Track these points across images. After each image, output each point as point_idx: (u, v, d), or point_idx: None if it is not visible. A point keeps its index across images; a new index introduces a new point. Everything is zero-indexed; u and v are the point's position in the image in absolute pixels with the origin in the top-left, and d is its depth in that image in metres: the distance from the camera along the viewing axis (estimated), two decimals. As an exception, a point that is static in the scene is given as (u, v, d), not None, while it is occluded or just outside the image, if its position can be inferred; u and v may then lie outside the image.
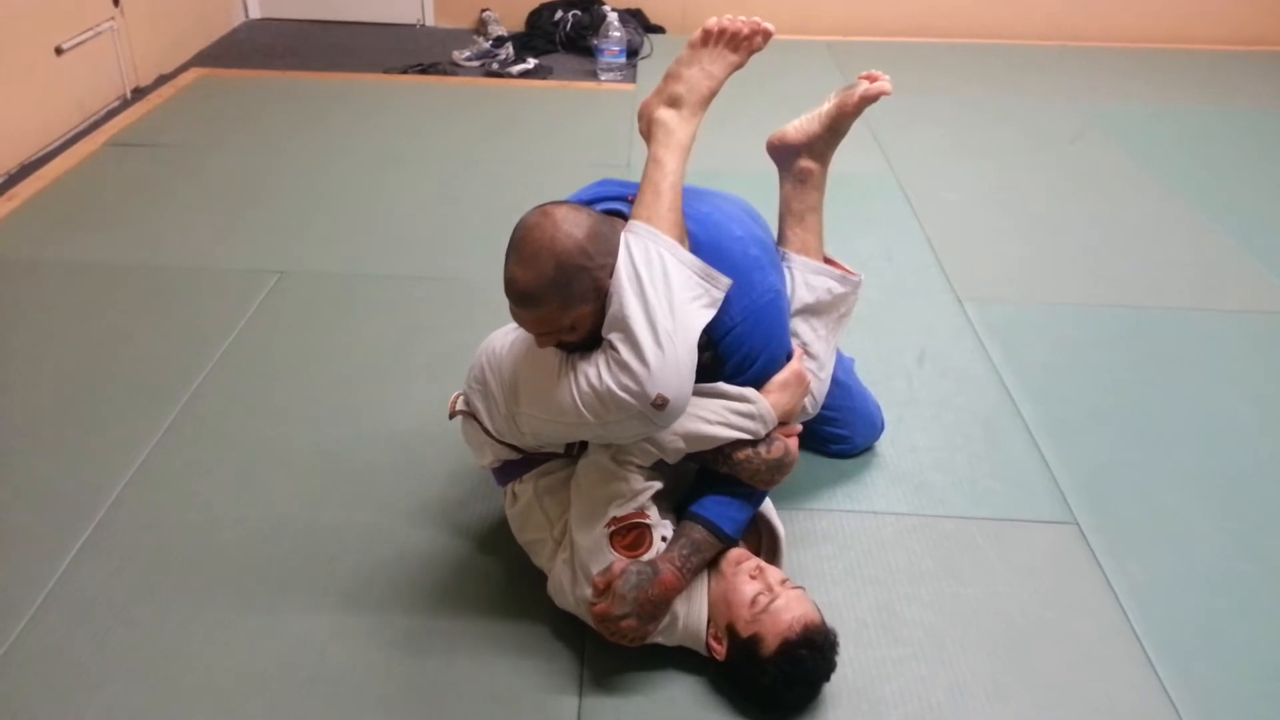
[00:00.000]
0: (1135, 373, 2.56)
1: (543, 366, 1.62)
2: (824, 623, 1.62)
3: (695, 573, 1.66)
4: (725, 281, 1.60)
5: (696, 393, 1.60)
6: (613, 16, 4.69)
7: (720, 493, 1.70)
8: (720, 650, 1.63)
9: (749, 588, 1.63)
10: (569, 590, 1.70)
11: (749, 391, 1.67)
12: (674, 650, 1.70)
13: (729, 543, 1.69)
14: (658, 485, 1.68)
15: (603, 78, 4.67)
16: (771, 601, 1.60)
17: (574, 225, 1.51)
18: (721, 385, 1.67)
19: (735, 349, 1.67)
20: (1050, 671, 1.74)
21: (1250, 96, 4.66)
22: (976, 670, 1.73)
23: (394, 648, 1.74)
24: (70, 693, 1.65)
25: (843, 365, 2.16)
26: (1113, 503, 2.12)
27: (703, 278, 1.58)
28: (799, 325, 1.90)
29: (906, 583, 1.91)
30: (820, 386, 1.92)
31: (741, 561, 1.68)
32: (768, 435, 1.68)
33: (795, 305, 1.90)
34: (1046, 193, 3.59)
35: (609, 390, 1.51)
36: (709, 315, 1.58)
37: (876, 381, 2.33)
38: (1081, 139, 4.07)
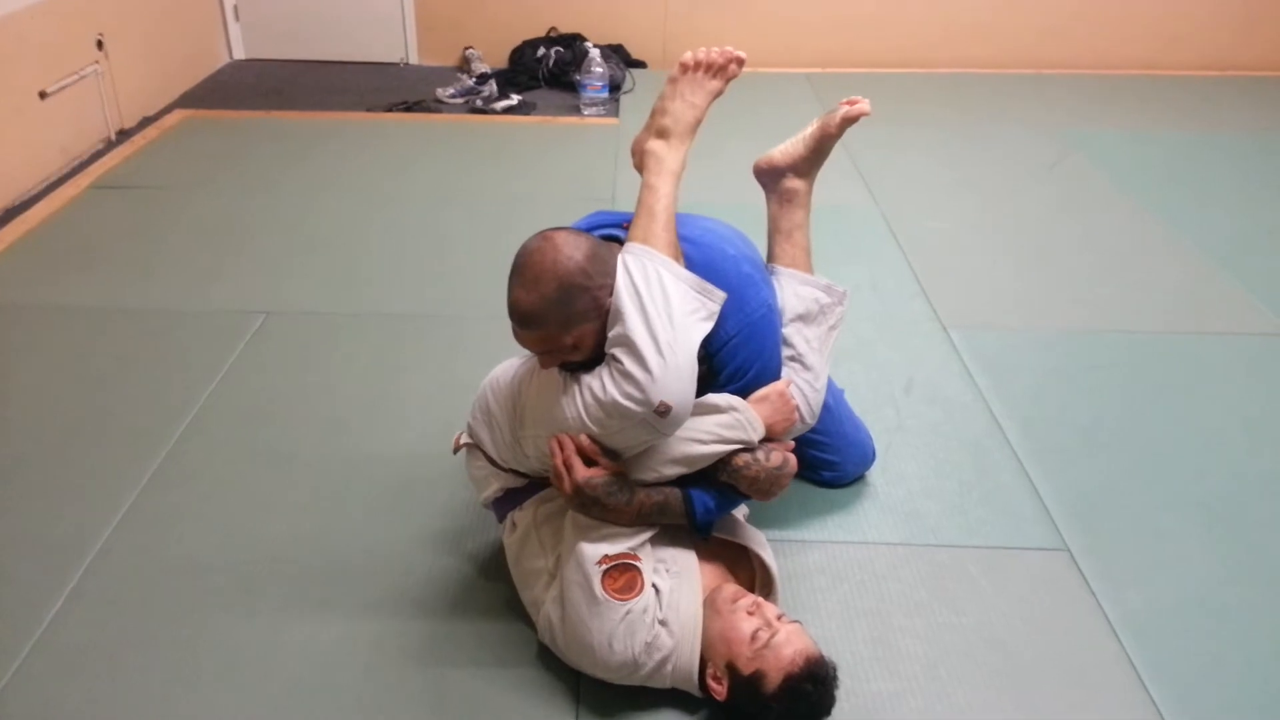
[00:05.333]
0: (1122, 398, 2.58)
1: (547, 388, 1.67)
2: (824, 656, 1.61)
3: (648, 523, 1.67)
4: (720, 295, 1.66)
5: None
6: (595, 52, 4.73)
7: (708, 485, 1.72)
8: (721, 690, 1.61)
9: (747, 624, 1.62)
10: (559, 629, 1.69)
11: (733, 399, 1.71)
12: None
13: (692, 524, 1.70)
14: (650, 532, 1.69)
15: (586, 112, 4.71)
16: (772, 637, 1.59)
17: (574, 248, 1.58)
18: (707, 398, 1.70)
19: (729, 360, 1.73)
20: (1046, 701, 1.73)
21: (1228, 121, 4.72)
22: (972, 702, 1.72)
23: (387, 688, 1.73)
24: (58, 744, 1.63)
25: (833, 393, 2.17)
26: (1103, 528, 2.12)
27: (699, 292, 1.64)
28: (792, 334, 1.95)
29: (900, 614, 1.90)
30: (816, 397, 1.95)
31: (738, 599, 1.67)
32: (764, 444, 1.71)
33: (787, 315, 1.96)
34: (1029, 220, 3.62)
35: (613, 400, 1.56)
36: (706, 328, 1.63)
37: (865, 411, 2.33)
38: (1062, 165, 4.11)
